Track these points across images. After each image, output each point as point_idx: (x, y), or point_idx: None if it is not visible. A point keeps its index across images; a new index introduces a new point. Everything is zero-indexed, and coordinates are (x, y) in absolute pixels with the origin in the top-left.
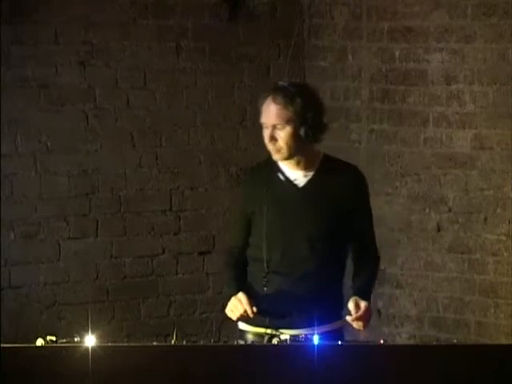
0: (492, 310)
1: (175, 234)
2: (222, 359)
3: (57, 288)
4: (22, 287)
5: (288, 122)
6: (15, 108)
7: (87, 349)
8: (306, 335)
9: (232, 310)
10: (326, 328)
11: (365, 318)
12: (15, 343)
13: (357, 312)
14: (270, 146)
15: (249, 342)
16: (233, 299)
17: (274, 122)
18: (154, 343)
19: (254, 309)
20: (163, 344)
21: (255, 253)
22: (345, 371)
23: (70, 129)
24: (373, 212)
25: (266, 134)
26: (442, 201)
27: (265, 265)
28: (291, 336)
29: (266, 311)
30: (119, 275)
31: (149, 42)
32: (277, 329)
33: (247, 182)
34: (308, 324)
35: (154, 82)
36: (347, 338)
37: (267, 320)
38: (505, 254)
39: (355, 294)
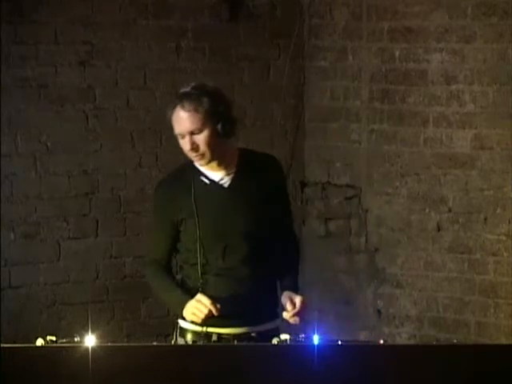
0: (492, 310)
1: None
2: (222, 359)
3: (57, 288)
4: (21, 287)
5: (203, 124)
6: (15, 108)
7: (87, 349)
8: (245, 334)
9: (194, 314)
10: (264, 327)
11: (302, 312)
12: (15, 343)
13: (293, 308)
14: (191, 154)
15: (188, 340)
16: (192, 302)
17: (189, 129)
18: (154, 343)
19: (218, 305)
20: (163, 344)
21: (189, 258)
22: (345, 371)
23: (70, 129)
24: (373, 212)
25: (186, 143)
26: (442, 201)
27: (200, 268)
28: (227, 335)
29: None
30: (119, 275)
31: (149, 41)
32: (215, 327)
33: (166, 194)
34: (245, 323)
35: (154, 82)
36: (347, 338)
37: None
38: (505, 254)
39: (286, 288)
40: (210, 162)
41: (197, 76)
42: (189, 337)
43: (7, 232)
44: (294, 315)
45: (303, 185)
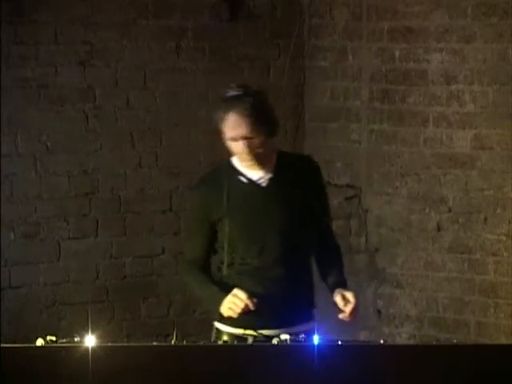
0: (492, 310)
1: (175, 233)
2: (221, 359)
3: (57, 288)
4: (21, 287)
5: (258, 128)
6: (15, 108)
7: (87, 349)
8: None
9: (231, 308)
10: (299, 328)
11: (356, 308)
12: (15, 343)
13: (345, 304)
14: (245, 157)
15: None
16: (229, 297)
17: (246, 133)
18: (154, 343)
19: (255, 300)
20: (163, 344)
21: (225, 258)
22: (345, 371)
23: (70, 129)
24: (373, 212)
25: (240, 146)
26: (442, 201)
27: (236, 269)
28: (260, 335)
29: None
30: (119, 275)
31: (149, 41)
32: (251, 329)
33: (204, 191)
34: (281, 325)
35: (154, 81)
36: (347, 338)
37: (242, 321)
38: (505, 254)
39: (336, 286)
40: (259, 163)
41: (197, 76)
42: (225, 339)
43: (7, 232)
44: (351, 313)
45: None
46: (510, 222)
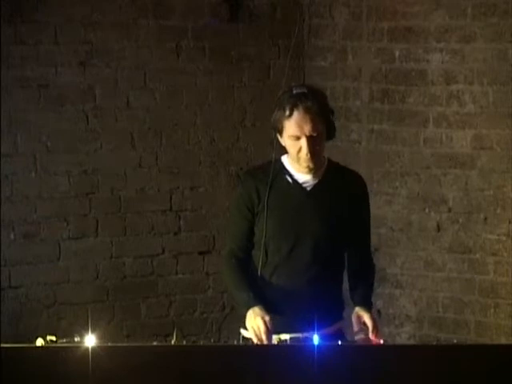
0: (492, 310)
1: (175, 233)
2: (221, 359)
3: (57, 288)
4: (21, 287)
5: (321, 127)
6: (15, 108)
7: (87, 349)
8: (306, 337)
9: (254, 330)
10: (327, 330)
11: (375, 329)
12: (15, 343)
13: (363, 329)
14: (306, 156)
15: None
16: (258, 319)
17: (311, 131)
18: (154, 343)
19: (270, 338)
20: (163, 344)
21: (257, 255)
22: (345, 371)
23: (70, 129)
24: (373, 212)
25: (301, 144)
26: (442, 201)
27: (265, 266)
28: (291, 338)
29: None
30: (119, 275)
31: (149, 41)
32: (279, 333)
33: (249, 182)
34: (310, 327)
35: (153, 81)
36: (347, 338)
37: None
38: (505, 254)
39: (359, 304)
40: (314, 165)
41: (197, 76)
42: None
43: (7, 232)
44: (372, 336)
45: None
46: (510, 222)
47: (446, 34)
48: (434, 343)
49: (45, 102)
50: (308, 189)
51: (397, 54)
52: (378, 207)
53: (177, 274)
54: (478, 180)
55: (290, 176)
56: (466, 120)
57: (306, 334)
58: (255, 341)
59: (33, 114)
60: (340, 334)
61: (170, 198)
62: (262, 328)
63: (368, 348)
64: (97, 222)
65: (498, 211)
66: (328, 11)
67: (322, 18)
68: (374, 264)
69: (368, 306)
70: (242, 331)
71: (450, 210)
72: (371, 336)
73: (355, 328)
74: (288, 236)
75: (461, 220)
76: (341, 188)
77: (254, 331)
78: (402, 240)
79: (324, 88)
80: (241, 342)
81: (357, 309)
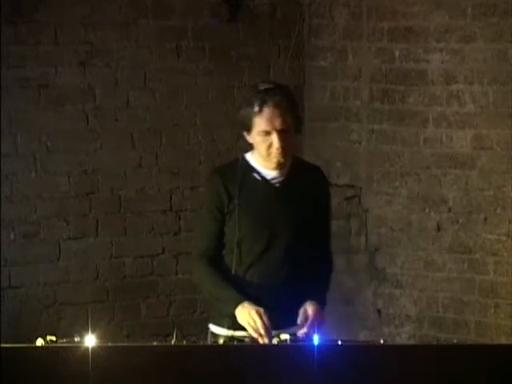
0: (492, 310)
1: (175, 234)
2: (222, 359)
3: (57, 288)
4: (21, 287)
5: (291, 122)
6: (15, 108)
7: (87, 349)
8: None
9: (250, 324)
10: (295, 329)
11: (313, 324)
12: (15, 343)
13: (303, 321)
14: (276, 151)
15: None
16: (253, 312)
17: (282, 125)
18: (154, 343)
19: (270, 332)
20: (163, 344)
21: (230, 254)
22: (345, 371)
23: (70, 129)
24: (373, 212)
25: (274, 140)
26: (442, 201)
27: (238, 265)
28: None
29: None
30: (119, 275)
31: (149, 41)
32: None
33: (219, 183)
34: (278, 326)
35: (153, 81)
36: (347, 338)
37: (235, 322)
38: (505, 254)
39: (311, 298)
40: (283, 160)
41: (197, 76)
42: (221, 341)
43: (7, 232)
44: (303, 327)
45: None
46: (510, 222)
47: (446, 33)
48: (434, 343)
49: (45, 102)
50: (277, 185)
51: (397, 53)
52: (378, 207)
53: (177, 274)
54: (478, 180)
55: (258, 173)
56: (466, 120)
57: (279, 332)
58: (254, 335)
59: (33, 114)
60: (310, 334)
61: (170, 198)
62: (259, 322)
63: (368, 348)
64: (97, 222)
65: (498, 211)
66: (328, 11)
67: (322, 18)
68: (332, 260)
69: (319, 301)
70: (211, 327)
71: (449, 210)
72: (305, 329)
73: (298, 321)
74: (261, 234)
75: (461, 220)
76: (306, 183)
77: (252, 326)
78: (402, 240)
79: (324, 88)
80: (209, 337)
81: (307, 303)
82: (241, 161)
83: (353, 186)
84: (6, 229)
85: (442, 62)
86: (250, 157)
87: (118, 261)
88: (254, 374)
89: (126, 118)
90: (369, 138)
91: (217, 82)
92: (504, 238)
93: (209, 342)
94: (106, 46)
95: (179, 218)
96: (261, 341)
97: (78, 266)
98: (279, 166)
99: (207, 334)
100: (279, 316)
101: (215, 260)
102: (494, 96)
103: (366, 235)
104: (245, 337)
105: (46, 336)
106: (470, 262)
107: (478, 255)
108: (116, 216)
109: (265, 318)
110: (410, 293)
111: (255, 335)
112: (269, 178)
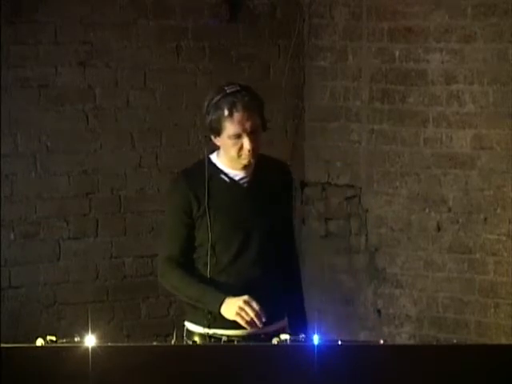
0: (492, 310)
1: None
2: (222, 359)
3: (57, 288)
4: (21, 287)
5: (259, 124)
6: (15, 108)
7: (87, 349)
8: (254, 335)
9: (240, 315)
10: (272, 327)
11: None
12: (15, 343)
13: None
14: (246, 153)
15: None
16: (240, 303)
17: (251, 128)
18: (154, 343)
19: (263, 318)
20: (163, 344)
21: (202, 257)
22: (345, 371)
23: (69, 129)
24: (373, 212)
25: (245, 143)
26: (442, 201)
27: (212, 268)
28: (236, 336)
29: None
30: (119, 275)
31: (149, 41)
32: (223, 329)
33: (185, 186)
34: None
35: (153, 81)
36: (347, 338)
37: (214, 321)
38: (505, 254)
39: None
40: (252, 161)
41: (197, 76)
42: (196, 340)
43: (7, 232)
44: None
45: (303, 185)
46: (510, 222)
47: (446, 34)
48: (434, 343)
49: (45, 102)
50: (245, 185)
51: (397, 53)
52: (378, 207)
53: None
54: (478, 180)
55: (225, 174)
56: (465, 120)
57: (249, 331)
58: (248, 328)
59: (33, 114)
60: (284, 332)
61: None
62: (251, 312)
63: (368, 348)
64: (97, 222)
65: (498, 211)
66: (328, 11)
67: (322, 18)
68: (298, 256)
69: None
70: (187, 324)
71: (449, 210)
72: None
73: None
74: (235, 236)
75: (461, 220)
76: (272, 181)
77: (244, 318)
78: (402, 240)
79: (324, 88)
80: (185, 334)
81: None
82: (206, 164)
83: (353, 186)
84: (5, 229)
85: (442, 62)
86: (214, 158)
87: (118, 261)
88: (254, 373)
89: (126, 118)
90: (369, 138)
91: (217, 82)
92: (504, 238)
93: (184, 339)
94: (106, 46)
95: None
96: (258, 323)
97: (78, 266)
98: (246, 166)
99: (182, 331)
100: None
101: (185, 265)
102: (494, 96)
103: (366, 235)
104: (222, 335)
105: (46, 336)
106: (470, 262)
107: (478, 255)
108: (116, 216)
109: (254, 304)
110: (410, 293)
111: (249, 327)
112: (237, 178)
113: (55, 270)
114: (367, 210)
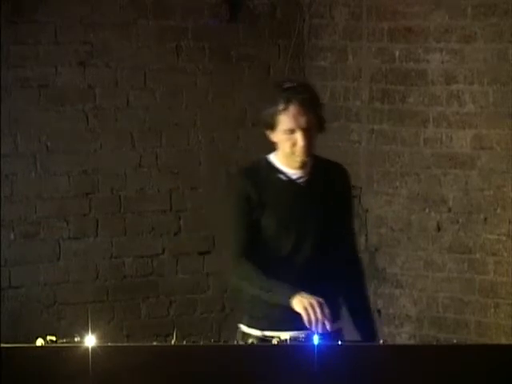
0: (492, 310)
1: (175, 234)
2: (222, 359)
3: (57, 288)
4: (21, 287)
5: (315, 122)
6: (15, 108)
7: (87, 349)
8: (308, 335)
9: (307, 311)
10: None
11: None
12: (15, 343)
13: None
14: (301, 150)
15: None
16: (312, 300)
17: (307, 123)
18: (154, 343)
19: (328, 324)
20: (163, 344)
21: (257, 255)
22: (345, 371)
23: (70, 129)
24: (373, 212)
25: (298, 139)
26: (442, 201)
27: (271, 268)
28: (291, 337)
29: (268, 314)
30: (119, 275)
31: (149, 41)
32: (277, 331)
33: (245, 185)
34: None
35: (154, 81)
36: (347, 337)
37: (268, 323)
38: (505, 254)
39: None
40: (306, 159)
41: (197, 76)
42: (250, 342)
43: (7, 232)
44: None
45: None
46: (510, 222)
47: (446, 34)
48: (434, 343)
49: (45, 102)
50: (302, 184)
51: (397, 53)
52: (378, 207)
53: (177, 274)
54: (478, 180)
55: (283, 173)
56: (465, 120)
57: (306, 332)
58: (308, 325)
59: (33, 114)
60: (339, 334)
61: (170, 198)
62: (319, 312)
63: (368, 348)
64: (97, 222)
65: (498, 211)
66: (328, 11)
67: (322, 18)
68: (361, 257)
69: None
70: (242, 326)
71: (449, 210)
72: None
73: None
74: (289, 234)
75: (461, 220)
76: (329, 181)
77: (309, 314)
78: (402, 240)
79: (324, 88)
80: (238, 337)
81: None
82: (263, 162)
83: (353, 186)
84: (5, 229)
85: (442, 62)
86: (272, 157)
87: (118, 261)
88: (254, 373)
89: (125, 118)
90: (369, 138)
91: (217, 82)
92: (504, 238)
93: (239, 341)
94: (106, 46)
95: (179, 218)
96: (314, 329)
97: (78, 266)
98: (303, 165)
99: (232, 332)
100: (301, 318)
101: (252, 261)
102: (494, 96)
103: (366, 235)
104: (273, 337)
105: (46, 336)
106: (470, 262)
107: (478, 255)
108: (116, 216)
109: (325, 309)
110: (410, 293)
111: (309, 325)
112: (294, 177)
113: (55, 270)
114: (367, 210)
